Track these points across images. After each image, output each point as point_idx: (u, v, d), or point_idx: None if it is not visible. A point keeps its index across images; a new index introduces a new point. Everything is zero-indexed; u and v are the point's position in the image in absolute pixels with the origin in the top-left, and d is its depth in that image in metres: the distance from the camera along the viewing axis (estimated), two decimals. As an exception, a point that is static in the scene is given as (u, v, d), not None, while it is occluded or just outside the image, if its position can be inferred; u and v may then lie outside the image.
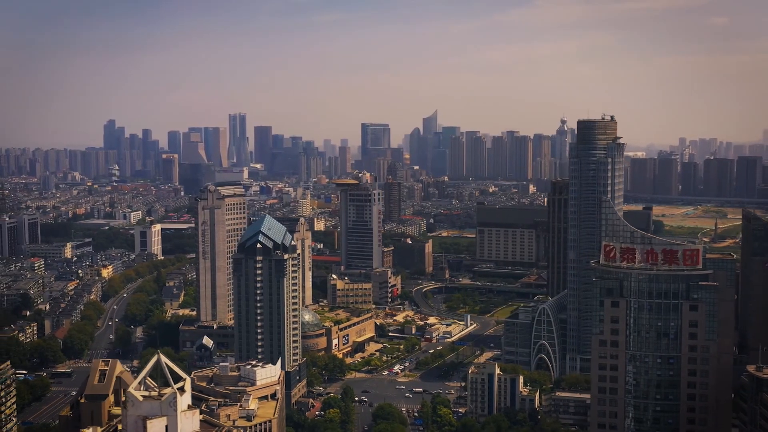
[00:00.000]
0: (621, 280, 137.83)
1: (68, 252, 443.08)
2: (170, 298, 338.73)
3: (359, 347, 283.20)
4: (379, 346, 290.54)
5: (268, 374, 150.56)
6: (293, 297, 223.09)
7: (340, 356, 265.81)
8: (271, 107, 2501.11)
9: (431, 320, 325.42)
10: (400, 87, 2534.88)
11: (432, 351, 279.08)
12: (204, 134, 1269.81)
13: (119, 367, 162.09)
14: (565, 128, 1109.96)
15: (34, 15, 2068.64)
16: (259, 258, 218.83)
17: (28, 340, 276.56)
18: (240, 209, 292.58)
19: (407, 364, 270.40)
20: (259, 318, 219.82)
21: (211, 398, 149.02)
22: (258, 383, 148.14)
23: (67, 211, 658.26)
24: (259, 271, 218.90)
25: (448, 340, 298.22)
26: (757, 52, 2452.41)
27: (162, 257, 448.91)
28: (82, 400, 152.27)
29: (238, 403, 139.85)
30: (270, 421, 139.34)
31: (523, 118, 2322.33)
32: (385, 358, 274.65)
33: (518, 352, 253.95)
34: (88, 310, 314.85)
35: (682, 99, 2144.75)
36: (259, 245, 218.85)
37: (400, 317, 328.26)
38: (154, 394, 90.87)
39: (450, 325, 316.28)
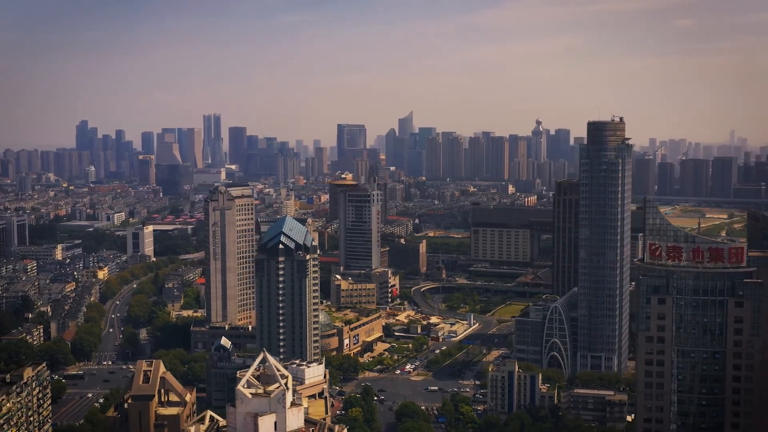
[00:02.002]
0: (667, 277, 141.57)
1: (59, 254, 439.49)
2: (172, 300, 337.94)
3: (368, 347, 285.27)
4: (387, 345, 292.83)
5: (316, 373, 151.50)
6: (314, 297, 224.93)
7: (351, 356, 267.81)
8: (244, 108, 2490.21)
9: (433, 320, 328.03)
10: (373, 88, 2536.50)
11: (439, 350, 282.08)
12: (178, 135, 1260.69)
13: (162, 368, 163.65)
14: (541, 129, 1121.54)
15: (4, 15, 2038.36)
16: (281, 258, 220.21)
17: (35, 342, 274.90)
18: (248, 210, 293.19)
19: (417, 363, 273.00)
20: (281, 318, 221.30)
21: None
22: (307, 382, 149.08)
23: (48, 213, 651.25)
24: (281, 272, 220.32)
25: (454, 339, 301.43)
26: (721, 54, 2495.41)
27: (154, 259, 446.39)
28: (129, 401, 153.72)
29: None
30: (324, 419, 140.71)
31: (496, 118, 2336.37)
32: (395, 357, 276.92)
33: (529, 350, 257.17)
34: (91, 312, 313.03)
35: (650, 100, 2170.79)
36: (281, 246, 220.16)
37: (401, 317, 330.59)
38: (260, 391, 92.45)
39: (454, 324, 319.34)
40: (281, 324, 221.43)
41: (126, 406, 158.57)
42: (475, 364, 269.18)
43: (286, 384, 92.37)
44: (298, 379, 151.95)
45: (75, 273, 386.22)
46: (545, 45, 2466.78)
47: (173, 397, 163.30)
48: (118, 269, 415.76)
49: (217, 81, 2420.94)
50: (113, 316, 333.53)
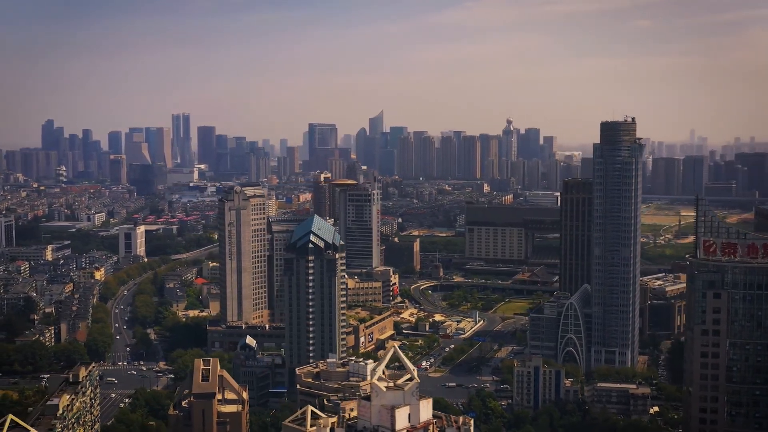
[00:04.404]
0: (721, 273, 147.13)
1: (49, 254, 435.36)
2: (176, 300, 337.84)
3: (380, 345, 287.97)
4: (398, 343, 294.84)
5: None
6: (342, 295, 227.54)
7: (370, 354, 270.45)
8: (209, 108, 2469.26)
9: (437, 317, 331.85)
10: (338, 88, 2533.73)
11: (449, 348, 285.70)
12: (146, 134, 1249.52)
13: (218, 366, 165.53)
14: (511, 128, 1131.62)
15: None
16: (310, 257, 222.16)
17: (48, 343, 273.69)
18: (260, 210, 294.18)
19: (432, 359, 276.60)
20: (311, 316, 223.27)
21: (324, 393, 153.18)
22: (369, 378, 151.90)
23: (25, 214, 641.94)
24: (311, 271, 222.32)
25: (463, 336, 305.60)
26: (680, 54, 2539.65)
27: (147, 259, 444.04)
28: (192, 399, 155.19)
29: (358, 397, 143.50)
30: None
31: (462, 118, 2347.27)
32: (410, 354, 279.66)
33: (544, 346, 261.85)
34: (98, 313, 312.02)
35: (609, 99, 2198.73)
36: (311, 245, 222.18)
37: (406, 315, 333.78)
38: (390, 384, 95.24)
39: (460, 321, 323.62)
40: (311, 323, 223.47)
41: (185, 404, 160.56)
42: (489, 360, 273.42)
43: (411, 378, 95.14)
44: (361, 376, 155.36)
45: (72, 274, 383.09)
46: (506, 45, 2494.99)
47: (228, 395, 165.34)
48: (113, 270, 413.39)
49: (181, 81, 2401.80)
50: (117, 313, 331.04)
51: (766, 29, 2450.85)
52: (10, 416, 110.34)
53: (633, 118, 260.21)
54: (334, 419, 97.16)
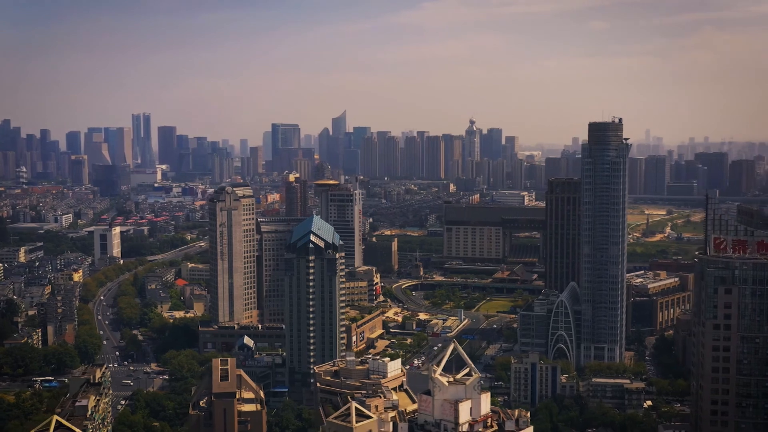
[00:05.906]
0: (731, 269, 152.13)
1: (22, 256, 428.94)
2: (159, 301, 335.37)
3: (370, 344, 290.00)
4: (387, 342, 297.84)
5: (395, 367, 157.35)
6: (341, 295, 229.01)
7: (362, 353, 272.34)
8: (168, 108, 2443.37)
9: (422, 316, 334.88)
10: (299, 88, 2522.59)
11: (438, 346, 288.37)
12: (106, 134, 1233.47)
13: (234, 366, 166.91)
14: (474, 128, 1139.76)
15: None
16: (311, 257, 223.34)
17: (36, 346, 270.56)
18: (250, 210, 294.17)
19: (423, 357, 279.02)
20: (311, 316, 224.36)
21: (346, 390, 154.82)
22: (389, 376, 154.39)
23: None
24: (311, 270, 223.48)
25: (449, 334, 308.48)
26: (635, 55, 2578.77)
27: (122, 261, 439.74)
28: (212, 398, 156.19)
29: (381, 395, 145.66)
30: (415, 411, 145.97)
31: (423, 118, 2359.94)
32: (401, 353, 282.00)
33: (534, 343, 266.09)
34: (83, 315, 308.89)
35: (566, 100, 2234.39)
36: (311, 245, 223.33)
37: (390, 314, 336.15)
38: (450, 379, 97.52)
39: (446, 320, 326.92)
40: (311, 322, 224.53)
41: (202, 403, 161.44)
42: (479, 357, 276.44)
43: (469, 373, 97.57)
44: (381, 373, 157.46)
45: (49, 276, 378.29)
46: (463, 46, 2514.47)
47: (245, 394, 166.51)
48: (89, 272, 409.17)
49: (140, 81, 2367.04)
50: (101, 324, 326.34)
51: (719, 30, 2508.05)
52: (56, 417, 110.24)
53: (620, 119, 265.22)
54: (393, 413, 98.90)
